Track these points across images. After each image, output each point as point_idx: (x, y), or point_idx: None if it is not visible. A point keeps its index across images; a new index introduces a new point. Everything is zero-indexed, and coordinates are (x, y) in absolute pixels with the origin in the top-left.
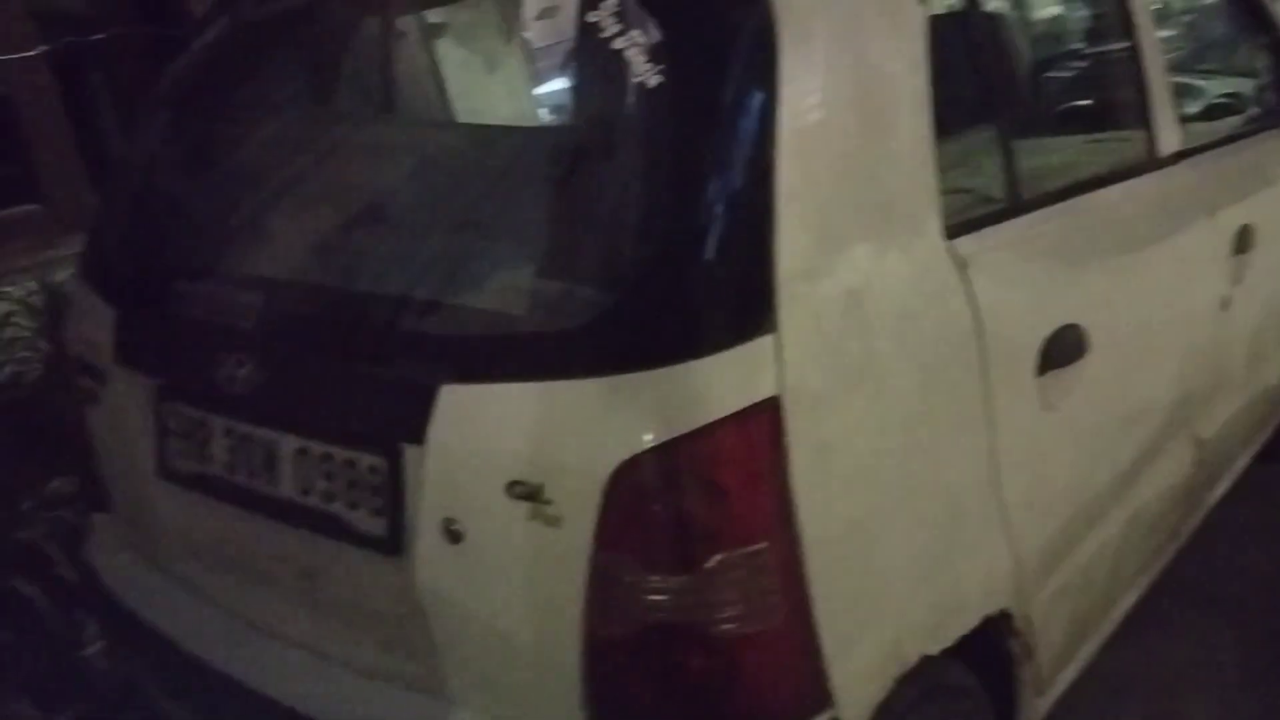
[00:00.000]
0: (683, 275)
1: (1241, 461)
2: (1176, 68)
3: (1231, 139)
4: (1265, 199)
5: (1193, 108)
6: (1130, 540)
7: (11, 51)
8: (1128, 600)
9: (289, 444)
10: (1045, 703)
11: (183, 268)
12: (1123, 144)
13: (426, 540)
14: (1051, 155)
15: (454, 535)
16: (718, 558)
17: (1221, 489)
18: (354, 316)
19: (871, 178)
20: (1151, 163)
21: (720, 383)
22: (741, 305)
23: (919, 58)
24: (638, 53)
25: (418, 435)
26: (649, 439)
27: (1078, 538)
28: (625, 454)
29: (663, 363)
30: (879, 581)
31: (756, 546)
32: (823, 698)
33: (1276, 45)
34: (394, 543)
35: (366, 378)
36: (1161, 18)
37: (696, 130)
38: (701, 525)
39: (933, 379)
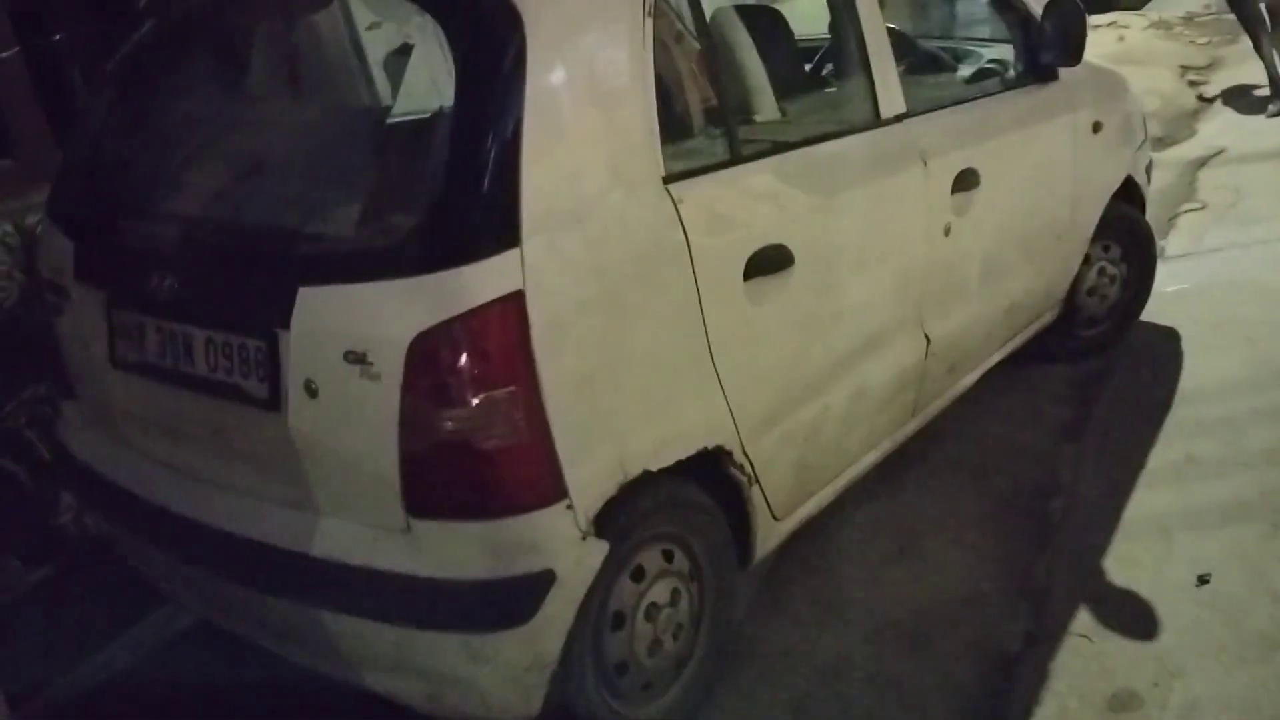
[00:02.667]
0: (457, 209)
1: (993, 358)
2: (948, 35)
3: (971, 98)
4: (991, 147)
5: (965, 70)
6: (859, 408)
7: None
8: (867, 459)
9: (200, 335)
10: (784, 527)
11: (122, 209)
12: (846, 110)
13: (294, 396)
14: (776, 123)
15: (312, 392)
16: (483, 396)
17: (969, 379)
18: (242, 241)
19: (600, 142)
20: (873, 124)
21: (481, 281)
22: (497, 229)
23: (644, 59)
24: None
25: (285, 323)
26: (434, 319)
27: (799, 401)
28: (420, 329)
29: (444, 267)
30: (604, 415)
31: (508, 389)
32: (561, 490)
33: (1022, 20)
34: (274, 400)
35: (251, 284)
36: None
37: (470, 115)
38: (470, 375)
39: (647, 277)
